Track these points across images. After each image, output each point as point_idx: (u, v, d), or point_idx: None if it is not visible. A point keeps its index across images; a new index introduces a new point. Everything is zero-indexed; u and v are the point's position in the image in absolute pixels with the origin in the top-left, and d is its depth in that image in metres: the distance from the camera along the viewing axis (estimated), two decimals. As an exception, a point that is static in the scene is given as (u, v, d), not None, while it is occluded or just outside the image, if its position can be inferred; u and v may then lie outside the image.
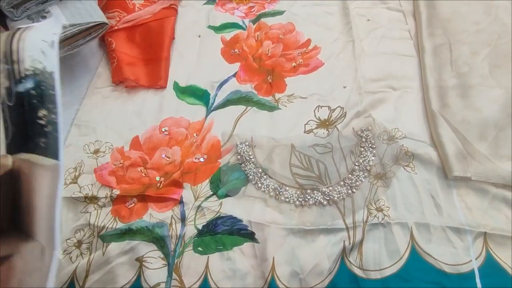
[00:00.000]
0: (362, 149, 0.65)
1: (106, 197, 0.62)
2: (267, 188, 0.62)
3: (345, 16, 0.86)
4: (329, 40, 0.82)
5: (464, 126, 0.65)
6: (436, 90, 0.70)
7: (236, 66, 0.79)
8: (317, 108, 0.71)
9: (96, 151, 0.69)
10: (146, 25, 0.85)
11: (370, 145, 0.65)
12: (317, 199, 0.60)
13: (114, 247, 0.57)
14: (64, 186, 0.64)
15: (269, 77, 0.76)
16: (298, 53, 0.80)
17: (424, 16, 0.82)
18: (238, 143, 0.67)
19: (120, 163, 0.66)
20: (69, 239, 0.58)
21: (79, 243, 0.58)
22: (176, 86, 0.77)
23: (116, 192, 0.63)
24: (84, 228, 0.59)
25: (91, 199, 0.62)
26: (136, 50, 0.81)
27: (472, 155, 0.62)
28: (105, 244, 0.57)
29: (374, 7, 0.87)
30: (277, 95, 0.74)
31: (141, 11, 0.86)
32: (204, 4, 0.93)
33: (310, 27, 0.85)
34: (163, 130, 0.70)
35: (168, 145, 0.68)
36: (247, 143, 0.67)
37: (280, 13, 0.88)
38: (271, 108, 0.72)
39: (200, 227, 0.59)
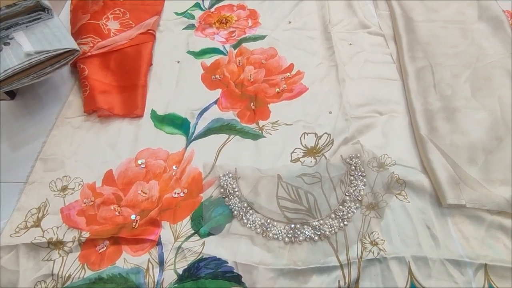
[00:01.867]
0: (352, 178, 0.62)
1: (73, 241, 0.55)
2: (254, 224, 0.57)
3: (327, 40, 0.85)
4: (312, 64, 0.80)
5: (453, 150, 0.63)
6: (423, 114, 0.69)
7: (217, 93, 0.76)
8: (303, 135, 0.68)
9: (64, 188, 0.62)
10: (121, 51, 0.81)
11: (360, 173, 0.62)
12: (307, 235, 0.56)
13: (81, 301, 0.50)
14: (24, 230, 0.57)
15: (252, 103, 0.73)
16: (281, 78, 0.78)
17: (405, 40, 0.83)
18: (221, 175, 0.62)
19: (91, 201, 0.60)
20: (27, 293, 0.51)
21: (39, 299, 0.51)
22: (153, 115, 0.72)
23: (86, 234, 0.56)
24: (46, 280, 0.52)
25: (56, 244, 0.55)
26: (111, 77, 0.77)
27: (464, 180, 0.60)
28: (70, 297, 0.50)
29: (355, 31, 0.87)
30: (261, 123, 0.70)
31: (117, 37, 0.83)
32: (183, 29, 0.90)
33: (292, 51, 0.83)
34: (139, 163, 0.65)
35: (144, 179, 0.63)
36: (230, 175, 0.62)
37: (262, 37, 0.86)
38: (255, 136, 0.68)
39: (180, 271, 0.53)
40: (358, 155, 0.64)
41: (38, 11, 0.69)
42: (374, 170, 0.63)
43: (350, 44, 0.85)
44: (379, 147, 0.66)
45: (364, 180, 0.61)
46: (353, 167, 0.63)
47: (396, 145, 0.66)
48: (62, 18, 0.92)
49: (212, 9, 0.94)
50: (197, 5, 0.96)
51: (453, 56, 0.79)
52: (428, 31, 0.85)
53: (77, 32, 0.83)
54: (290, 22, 0.91)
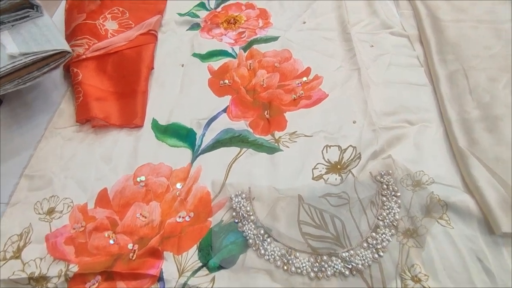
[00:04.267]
0: (384, 198, 0.53)
1: (59, 276, 0.47)
2: (272, 255, 0.48)
3: (346, 41, 0.77)
4: (331, 68, 0.72)
5: (500, 166, 0.55)
6: (460, 124, 0.61)
7: (226, 100, 0.67)
8: (325, 148, 0.60)
9: (51, 211, 0.54)
10: (120, 54, 0.73)
11: (393, 193, 0.54)
12: (336, 268, 0.47)
13: None
14: (3, 263, 0.48)
15: (266, 112, 0.65)
16: (298, 84, 0.69)
17: (433, 41, 0.75)
18: (232, 195, 0.54)
19: (82, 227, 0.52)
20: None
21: None
22: (155, 125, 0.64)
23: (74, 268, 0.48)
24: (25, 325, 0.44)
25: (38, 281, 0.47)
26: (108, 83, 0.69)
27: (518, 203, 0.51)
28: None
29: (377, 32, 0.79)
30: (277, 134, 0.62)
31: (115, 38, 0.75)
32: (187, 29, 0.82)
33: (308, 54, 0.75)
34: (139, 181, 0.57)
35: (144, 200, 0.55)
36: (243, 195, 0.54)
37: (274, 39, 0.79)
38: (271, 149, 0.60)
39: (186, 314, 0.44)
40: (390, 171, 0.56)
41: (26, 9, 0.61)
42: (409, 189, 0.54)
43: (372, 45, 0.77)
44: (412, 161, 0.57)
45: (399, 201, 0.53)
46: (384, 186, 0.55)
47: (431, 159, 0.58)
48: (56, 19, 0.85)
49: (219, 9, 0.87)
50: (201, 5, 0.88)
51: (488, 59, 0.71)
52: (457, 30, 0.77)
53: (72, 33, 0.76)
54: (304, 22, 0.83)
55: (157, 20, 0.80)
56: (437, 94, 0.68)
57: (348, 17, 0.82)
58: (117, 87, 0.68)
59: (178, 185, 0.56)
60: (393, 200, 0.53)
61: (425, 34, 0.77)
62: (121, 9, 0.82)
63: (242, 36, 0.80)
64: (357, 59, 0.72)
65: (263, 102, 0.67)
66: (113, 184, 0.56)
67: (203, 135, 0.62)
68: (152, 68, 0.73)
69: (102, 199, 0.55)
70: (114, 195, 0.55)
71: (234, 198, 0.54)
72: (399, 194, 0.54)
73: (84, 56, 0.71)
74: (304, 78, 0.70)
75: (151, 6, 0.84)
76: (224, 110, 0.66)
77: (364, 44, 0.77)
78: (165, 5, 0.87)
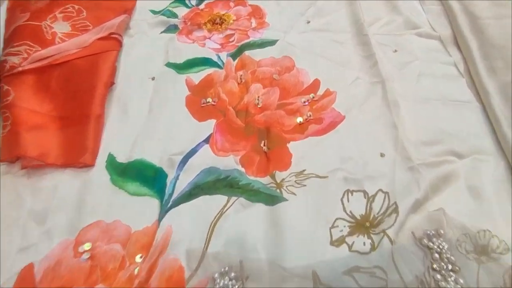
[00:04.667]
0: (438, 276, 0.37)
1: None
2: None
3: (363, 45, 0.61)
4: (346, 80, 0.56)
5: None
6: (529, 158, 0.45)
7: (209, 126, 0.50)
8: (346, 194, 0.43)
9: None
10: (69, 65, 0.56)
11: (449, 266, 0.37)
12: None
13: None
14: None
15: (262, 142, 0.48)
16: (304, 102, 0.53)
17: (474, 44, 0.59)
18: (216, 274, 0.37)
19: (-14, 333, 0.34)
20: None
21: None
22: (111, 163, 0.47)
23: None
24: None
25: None
26: (49, 104, 0.51)
27: None
28: None
29: (400, 33, 0.63)
30: (279, 175, 0.45)
31: (64, 44, 0.57)
32: (162, 32, 0.65)
33: (315, 62, 0.59)
34: (82, 251, 0.39)
35: (87, 282, 0.37)
36: (232, 274, 0.37)
37: (271, 43, 0.62)
38: (271, 198, 0.43)
39: None
40: (441, 231, 0.39)
41: None
42: (471, 259, 0.38)
43: (395, 50, 0.61)
44: (469, 214, 0.41)
45: (460, 281, 0.36)
46: (435, 255, 0.38)
47: (498, 211, 0.41)
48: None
49: (201, 6, 0.70)
50: (180, 1, 0.71)
51: (545, 65, 0.55)
52: (499, 29, 0.61)
53: (9, 38, 0.58)
54: (308, 22, 0.66)
55: (122, 20, 0.63)
56: (489, 114, 0.51)
57: (363, 15, 0.65)
58: (62, 111, 0.51)
59: (138, 258, 0.39)
60: (452, 279, 0.36)
61: (462, 35, 0.61)
62: (76, 7, 0.65)
63: (231, 39, 0.63)
64: (378, 68, 0.56)
65: (259, 128, 0.50)
66: (44, 256, 0.39)
67: (177, 178, 0.45)
68: (112, 83, 0.56)
69: (24, 282, 0.37)
70: (43, 275, 0.38)
71: (218, 279, 0.36)
72: (458, 268, 0.37)
73: (20, 69, 0.53)
74: (312, 95, 0.54)
75: (116, 4, 0.67)
76: (206, 141, 0.49)
77: (385, 49, 0.61)
78: (134, 3, 0.69)
